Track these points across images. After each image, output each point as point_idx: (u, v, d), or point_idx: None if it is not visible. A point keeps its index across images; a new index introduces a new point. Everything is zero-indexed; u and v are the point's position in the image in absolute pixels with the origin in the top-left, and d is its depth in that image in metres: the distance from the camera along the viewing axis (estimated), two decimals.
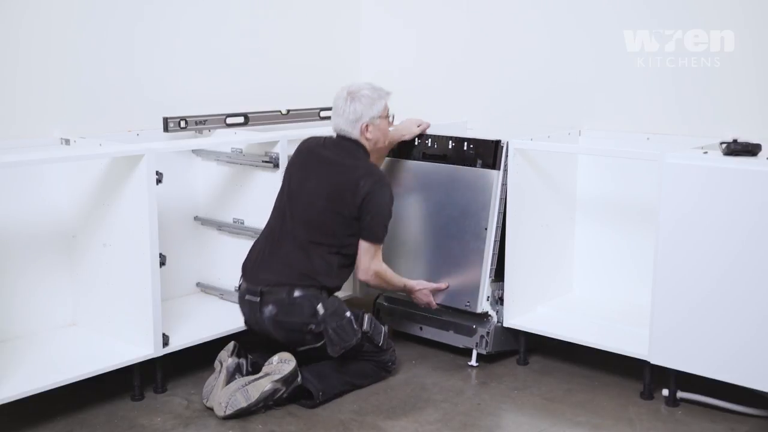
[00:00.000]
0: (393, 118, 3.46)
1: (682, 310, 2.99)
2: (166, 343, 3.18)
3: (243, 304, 3.28)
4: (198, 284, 3.87)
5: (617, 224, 3.71)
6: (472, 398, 3.20)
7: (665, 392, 3.11)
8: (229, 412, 2.99)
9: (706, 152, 3.00)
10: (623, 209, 3.68)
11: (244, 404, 3.00)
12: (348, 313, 3.20)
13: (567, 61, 3.86)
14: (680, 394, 3.10)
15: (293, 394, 3.11)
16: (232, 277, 3.75)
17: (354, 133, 3.34)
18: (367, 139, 3.36)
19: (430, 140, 3.61)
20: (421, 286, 3.52)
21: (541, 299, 3.64)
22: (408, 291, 3.53)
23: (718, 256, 2.90)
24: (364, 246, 3.29)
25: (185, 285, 3.82)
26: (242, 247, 3.67)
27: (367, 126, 3.33)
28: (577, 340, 3.35)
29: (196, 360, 3.46)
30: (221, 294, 3.79)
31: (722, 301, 2.90)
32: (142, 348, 3.13)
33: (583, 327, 3.42)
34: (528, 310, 3.56)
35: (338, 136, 3.39)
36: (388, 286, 3.48)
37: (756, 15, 3.36)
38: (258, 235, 3.40)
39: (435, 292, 3.52)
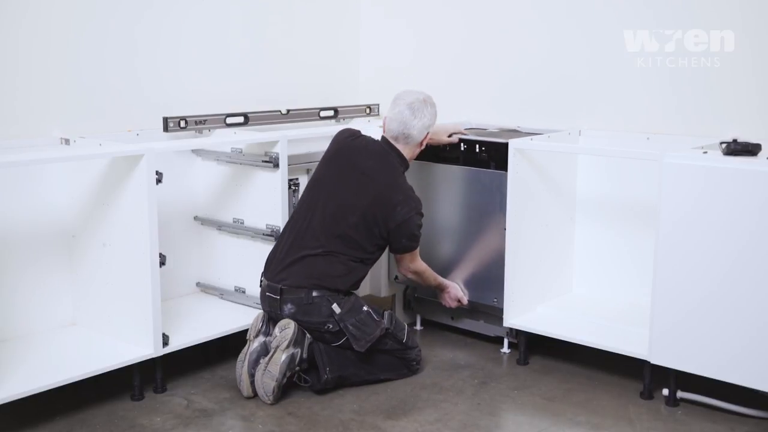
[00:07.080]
0: None
1: (682, 310, 2.99)
2: (165, 343, 3.18)
3: (264, 299, 3.31)
4: (198, 284, 3.87)
5: (617, 224, 3.71)
6: (471, 398, 3.20)
7: (665, 392, 3.11)
8: (271, 398, 3.09)
9: (705, 152, 3.00)
10: (623, 209, 3.68)
11: (274, 384, 3.08)
12: (365, 308, 3.26)
13: (567, 61, 3.86)
14: (680, 394, 3.10)
15: (312, 357, 3.19)
16: (232, 277, 3.76)
17: (419, 138, 3.37)
18: (421, 146, 3.42)
19: None
20: (454, 285, 3.63)
21: (541, 299, 3.64)
22: (441, 289, 3.62)
23: (718, 256, 2.90)
24: (400, 255, 3.42)
25: (185, 285, 3.81)
26: (242, 247, 3.68)
27: (428, 134, 3.39)
28: (577, 340, 3.35)
29: (196, 360, 3.47)
30: (221, 294, 3.78)
31: (722, 301, 2.90)
32: (142, 348, 3.13)
33: (583, 327, 3.42)
34: (528, 310, 3.56)
35: (385, 141, 3.38)
36: (424, 283, 3.58)
37: (756, 15, 3.36)
38: (282, 229, 3.40)
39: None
